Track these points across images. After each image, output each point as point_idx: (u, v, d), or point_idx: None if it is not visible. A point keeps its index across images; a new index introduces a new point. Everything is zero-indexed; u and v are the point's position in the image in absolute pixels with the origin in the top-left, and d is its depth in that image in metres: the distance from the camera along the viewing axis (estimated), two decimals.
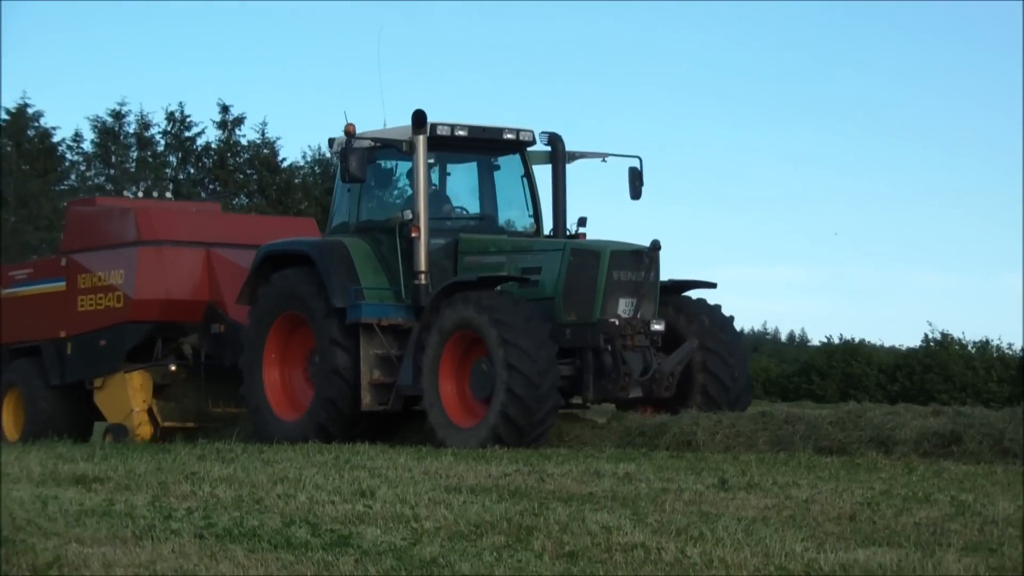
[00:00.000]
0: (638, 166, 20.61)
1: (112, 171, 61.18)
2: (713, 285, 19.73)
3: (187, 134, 62.82)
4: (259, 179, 60.58)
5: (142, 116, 61.90)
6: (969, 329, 75.08)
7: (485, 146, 20.38)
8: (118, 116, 61.64)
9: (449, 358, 18.00)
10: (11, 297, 23.68)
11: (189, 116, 62.35)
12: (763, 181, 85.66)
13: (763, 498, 12.17)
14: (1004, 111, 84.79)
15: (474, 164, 20.47)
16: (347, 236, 19.68)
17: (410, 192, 19.73)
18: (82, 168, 61.72)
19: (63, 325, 22.36)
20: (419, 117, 18.67)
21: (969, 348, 52.42)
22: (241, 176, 61.38)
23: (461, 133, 19.64)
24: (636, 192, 20.69)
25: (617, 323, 18.11)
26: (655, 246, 18.68)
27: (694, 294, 19.98)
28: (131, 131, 62.18)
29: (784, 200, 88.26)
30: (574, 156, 20.64)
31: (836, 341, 58.51)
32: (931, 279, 79.93)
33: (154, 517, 10.89)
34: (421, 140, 18.66)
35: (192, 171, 62.29)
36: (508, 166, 20.78)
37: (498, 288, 18.10)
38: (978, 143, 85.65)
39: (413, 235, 18.74)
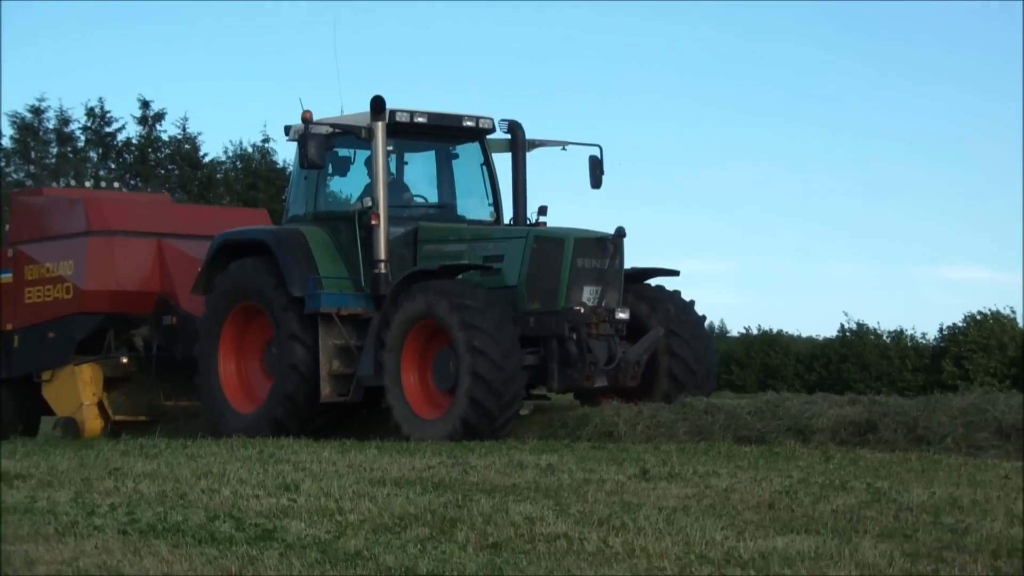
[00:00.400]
0: (598, 155, 20.54)
1: (31, 167, 60.58)
2: (676, 273, 19.69)
3: (107, 130, 63.29)
4: (180, 174, 60.45)
5: (61, 112, 62.13)
6: (884, 319, 75.40)
7: (444, 134, 20.28)
8: (37, 112, 62.06)
9: (411, 349, 17.90)
10: None
11: (109, 112, 62.77)
12: (681, 174, 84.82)
13: (683, 487, 12.26)
14: (914, 101, 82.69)
15: (432, 152, 20.44)
16: (304, 225, 19.54)
17: (368, 180, 19.51)
18: (1, 163, 60.56)
19: (10, 318, 22.13)
20: (378, 103, 18.54)
21: (884, 338, 53.00)
22: (162, 171, 61.10)
23: (420, 120, 19.50)
24: (596, 181, 20.62)
25: (582, 311, 18.01)
26: (619, 233, 18.57)
27: (655, 281, 20.07)
28: (51, 127, 61.96)
29: (702, 192, 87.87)
30: (534, 144, 20.54)
31: (754, 332, 58.98)
32: (847, 270, 79.67)
33: (77, 513, 10.87)
34: (380, 127, 18.53)
35: (113, 167, 61.60)
36: (467, 154, 20.66)
37: (459, 276, 18.05)
38: (891, 133, 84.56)
39: (373, 223, 18.58)
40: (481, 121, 20.03)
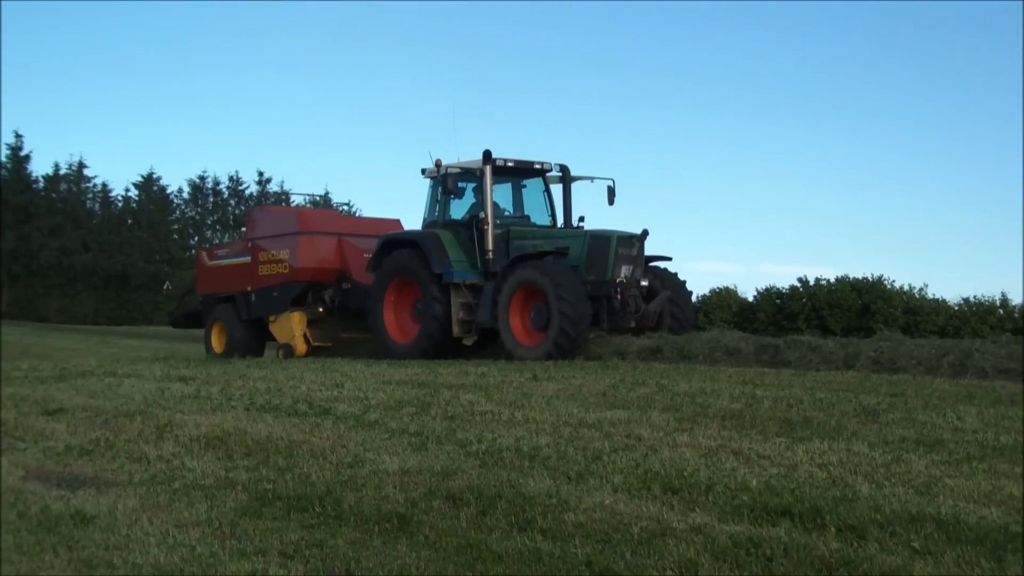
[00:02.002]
0: (612, 185, 20.22)
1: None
2: (669, 258, 19.37)
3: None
4: None
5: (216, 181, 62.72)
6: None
7: (519, 172, 20.17)
8: (202, 179, 62.80)
9: (516, 303, 17.86)
10: (215, 266, 23.77)
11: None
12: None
13: (557, 384, 12.52)
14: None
15: (510, 183, 20.36)
16: (436, 229, 19.54)
17: (474, 200, 19.73)
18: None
19: (249, 283, 22.55)
20: (488, 154, 18.87)
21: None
22: None
23: (510, 164, 19.55)
24: (611, 201, 20.30)
25: (621, 281, 17.99)
26: (644, 233, 18.58)
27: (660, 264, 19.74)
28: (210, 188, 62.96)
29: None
30: (575, 178, 20.53)
31: None
32: (710, 267, 71.17)
33: (221, 399, 11.49)
34: (488, 169, 18.85)
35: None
36: (533, 185, 20.62)
37: (547, 259, 17.98)
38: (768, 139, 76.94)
39: (484, 227, 18.77)
40: (544, 164, 20.20)
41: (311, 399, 11.21)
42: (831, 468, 7.32)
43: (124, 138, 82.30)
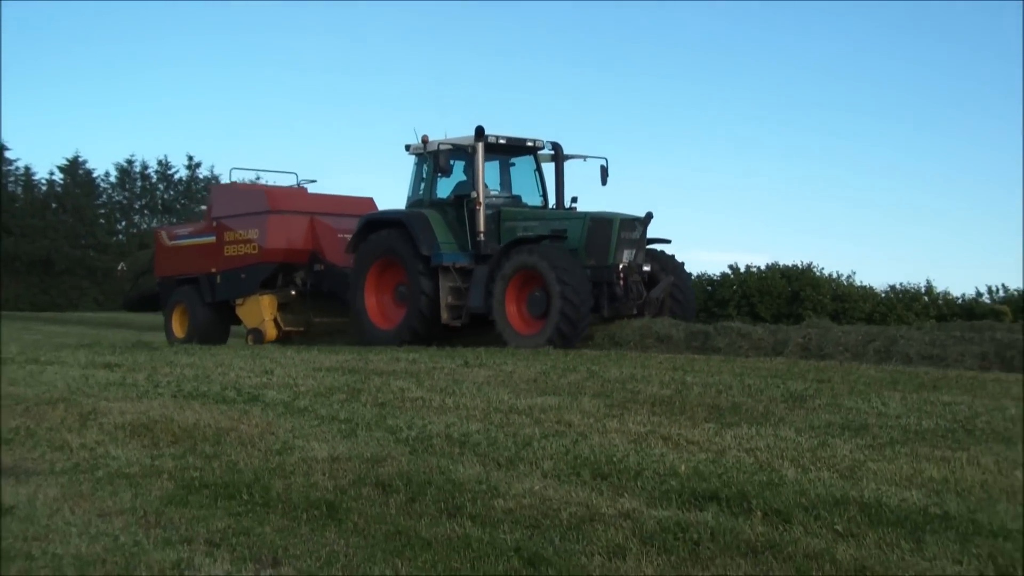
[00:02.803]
0: (605, 164, 19.38)
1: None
2: (668, 241, 18.59)
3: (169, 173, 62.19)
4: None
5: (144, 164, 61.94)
6: None
7: (510, 150, 19.33)
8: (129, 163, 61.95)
9: (512, 289, 17.15)
10: (176, 247, 22.71)
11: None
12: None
13: (488, 371, 12.60)
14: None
15: (497, 162, 19.43)
16: (422, 209, 18.79)
17: (460, 179, 18.90)
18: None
19: (213, 264, 21.62)
20: (480, 130, 17.92)
21: None
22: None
23: (502, 141, 18.69)
24: (604, 182, 19.44)
25: (624, 266, 17.30)
26: (648, 216, 17.89)
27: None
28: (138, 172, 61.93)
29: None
30: (566, 157, 19.65)
31: None
32: None
33: (148, 386, 11.39)
34: (480, 146, 17.95)
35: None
36: (524, 163, 19.73)
37: (544, 242, 17.31)
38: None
39: (477, 207, 17.98)
40: (536, 142, 19.35)
41: (240, 386, 11.17)
42: (758, 453, 7.43)
43: (47, 120, 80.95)
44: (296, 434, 8.40)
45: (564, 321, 16.33)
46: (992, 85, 61.78)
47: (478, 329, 18.20)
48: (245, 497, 6.50)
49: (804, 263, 35.12)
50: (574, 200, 19.28)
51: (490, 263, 17.56)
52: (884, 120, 66.57)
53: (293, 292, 20.96)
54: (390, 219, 18.94)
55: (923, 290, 36.38)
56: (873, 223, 66.40)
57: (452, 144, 18.58)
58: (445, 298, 18.06)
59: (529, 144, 19.37)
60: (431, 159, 18.91)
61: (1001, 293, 35.76)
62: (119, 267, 29.53)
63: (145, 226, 57.84)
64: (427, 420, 8.95)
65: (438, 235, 18.20)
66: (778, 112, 71.23)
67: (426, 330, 18.05)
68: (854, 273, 40.09)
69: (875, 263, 71.05)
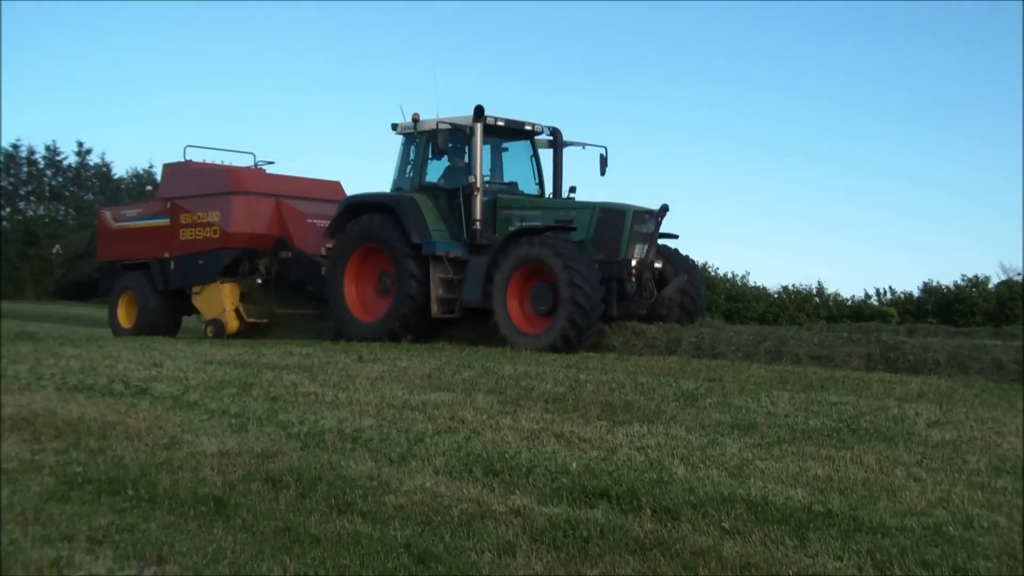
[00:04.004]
0: (605, 153, 18.33)
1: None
2: (676, 236, 17.70)
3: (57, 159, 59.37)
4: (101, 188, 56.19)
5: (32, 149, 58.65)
6: None
7: (506, 133, 18.06)
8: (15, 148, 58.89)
9: (515, 283, 15.97)
10: (122, 229, 21.26)
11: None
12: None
13: (382, 366, 12.61)
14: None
15: (488, 146, 17.91)
16: (411, 193, 17.54)
17: (448, 163, 17.76)
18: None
19: (167, 249, 20.24)
20: (479, 110, 16.87)
21: None
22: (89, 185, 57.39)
23: (500, 123, 17.52)
24: (603, 171, 18.38)
25: (636, 262, 16.29)
26: (664, 209, 16.73)
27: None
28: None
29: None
30: (566, 144, 18.48)
31: None
32: None
33: (30, 378, 11.14)
34: (479, 127, 16.88)
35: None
36: (520, 148, 18.56)
37: (550, 233, 16.12)
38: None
39: (475, 193, 16.78)
40: (535, 126, 18.15)
41: (127, 379, 11.01)
42: (649, 451, 7.50)
43: None
44: (185, 428, 8.30)
45: (573, 320, 15.29)
46: (869, 86, 62.92)
47: (470, 323, 17.27)
48: (130, 493, 6.39)
49: (699, 263, 35.67)
50: (572, 190, 18.38)
51: (491, 254, 16.47)
52: (781, 122, 67.48)
53: (259, 281, 19.75)
54: (375, 203, 17.74)
55: (814, 291, 37.25)
56: (767, 225, 67.54)
57: (451, 124, 17.32)
58: (436, 290, 16.96)
59: (528, 128, 18.26)
60: (422, 139, 17.84)
61: (888, 296, 36.80)
62: (54, 249, 27.61)
63: (31, 213, 56.37)
64: (319, 415, 8.91)
65: (429, 222, 17.07)
66: (672, 111, 71.78)
67: (412, 324, 17.01)
68: (748, 274, 40.79)
69: (769, 264, 71.76)
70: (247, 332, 19.43)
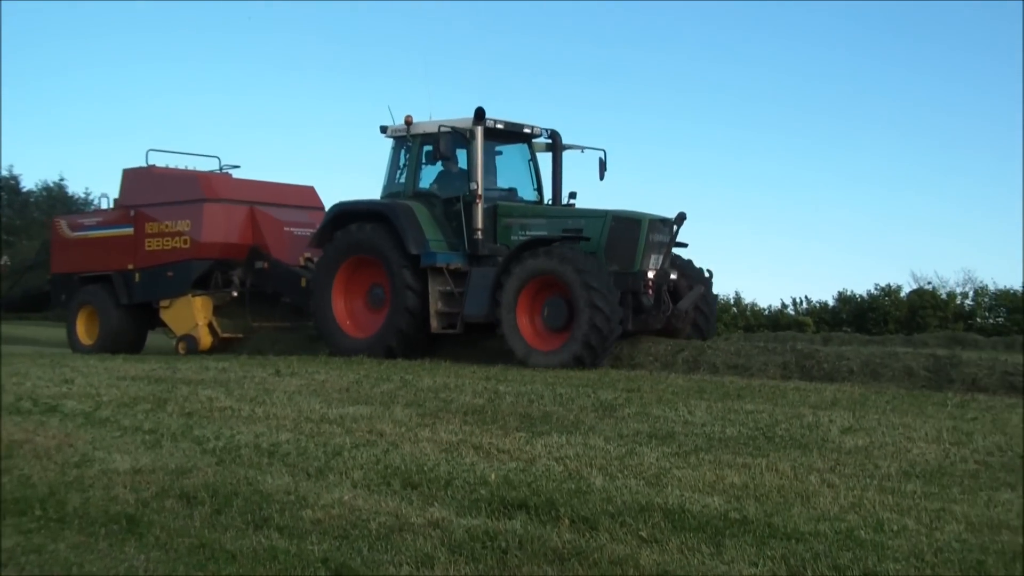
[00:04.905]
0: (603, 157, 17.42)
1: None
2: (686, 245, 16.80)
3: None
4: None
5: None
6: None
7: (503, 136, 17.04)
8: None
9: (525, 297, 15.09)
10: (80, 239, 20.04)
11: None
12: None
13: (300, 380, 12.54)
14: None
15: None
16: (404, 200, 16.56)
17: (440, 168, 16.84)
18: None
19: (131, 260, 19.14)
20: (480, 112, 15.98)
21: None
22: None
23: (500, 126, 16.53)
24: (602, 175, 17.50)
25: (654, 274, 15.52)
26: (682, 217, 15.98)
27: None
28: None
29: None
30: (565, 147, 17.55)
31: None
32: None
33: None
34: (480, 130, 15.96)
35: None
36: (517, 152, 17.60)
37: (564, 244, 15.23)
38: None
39: (477, 201, 15.84)
40: (534, 129, 17.21)
41: (36, 396, 10.82)
42: (568, 461, 7.53)
43: None
44: (96, 446, 8.18)
45: (593, 336, 14.49)
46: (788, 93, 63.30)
47: (471, 337, 16.48)
48: (38, 513, 6.27)
49: None
50: (572, 196, 17.54)
51: (498, 266, 15.57)
52: (695, 126, 66.74)
53: (235, 293, 18.70)
54: (367, 211, 16.75)
55: (732, 301, 37.65)
56: (685, 234, 66.93)
57: (451, 127, 16.28)
58: (435, 304, 16.10)
59: (526, 131, 17.33)
60: (415, 143, 16.92)
61: (804, 305, 37.33)
62: (1, 260, 26.38)
63: None
64: (235, 430, 8.83)
65: (426, 231, 16.15)
66: (591, 119, 71.10)
67: (407, 342, 16.12)
68: None
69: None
70: (221, 347, 18.66)
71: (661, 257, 15.84)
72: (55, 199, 52.36)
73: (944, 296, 33.90)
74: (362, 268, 16.77)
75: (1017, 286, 32.87)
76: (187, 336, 18.49)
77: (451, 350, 16.48)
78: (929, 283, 34.84)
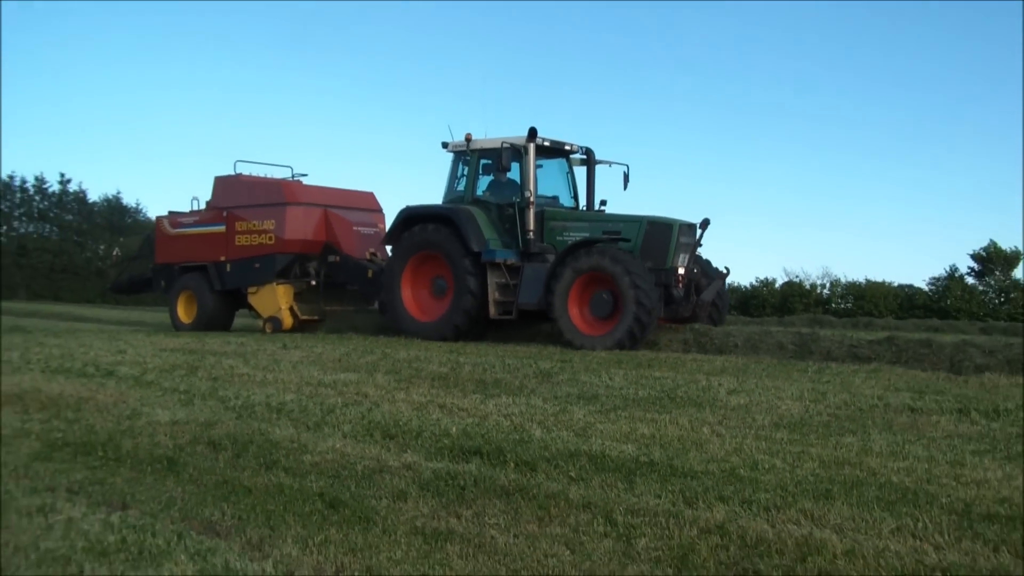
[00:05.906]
0: (627, 171, 16.55)
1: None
2: (700, 244, 15.63)
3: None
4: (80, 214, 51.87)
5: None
6: None
7: (547, 152, 16.18)
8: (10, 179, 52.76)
9: (576, 290, 14.35)
10: (179, 235, 19.36)
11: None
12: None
13: (302, 352, 12.43)
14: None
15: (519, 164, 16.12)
16: (465, 205, 15.85)
17: (491, 178, 16.03)
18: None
19: (223, 253, 18.55)
20: (533, 131, 15.30)
21: None
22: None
23: (547, 144, 15.77)
24: (625, 186, 16.62)
25: (683, 270, 14.86)
26: (706, 223, 15.26)
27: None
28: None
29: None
30: (597, 162, 16.67)
31: None
32: None
33: (20, 363, 10.79)
34: (532, 146, 15.32)
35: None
36: (551, 166, 16.59)
37: (612, 244, 14.53)
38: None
39: (529, 207, 15.17)
40: (572, 146, 16.39)
41: (98, 363, 10.75)
42: (513, 417, 7.51)
43: None
44: (143, 402, 8.16)
45: (636, 324, 13.83)
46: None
47: (524, 323, 15.86)
48: (100, 454, 6.29)
49: None
50: (603, 203, 16.65)
51: (554, 262, 14.86)
52: (685, 125, 62.03)
53: (313, 282, 17.99)
54: (433, 214, 16.05)
55: None
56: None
57: (510, 144, 15.57)
58: (493, 293, 15.31)
59: (567, 148, 16.55)
60: (474, 157, 16.19)
61: None
62: (114, 252, 25.54)
63: (23, 231, 54.05)
64: (251, 392, 8.78)
65: (484, 232, 15.46)
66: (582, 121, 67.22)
67: (469, 323, 15.41)
68: None
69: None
70: (300, 327, 18.13)
71: (688, 256, 15.24)
72: (113, 209, 51.91)
73: (808, 287, 34.24)
74: (427, 263, 16.16)
75: (861, 279, 33.39)
76: (272, 318, 18.00)
77: (505, 332, 16.14)
78: (797, 277, 35.19)
